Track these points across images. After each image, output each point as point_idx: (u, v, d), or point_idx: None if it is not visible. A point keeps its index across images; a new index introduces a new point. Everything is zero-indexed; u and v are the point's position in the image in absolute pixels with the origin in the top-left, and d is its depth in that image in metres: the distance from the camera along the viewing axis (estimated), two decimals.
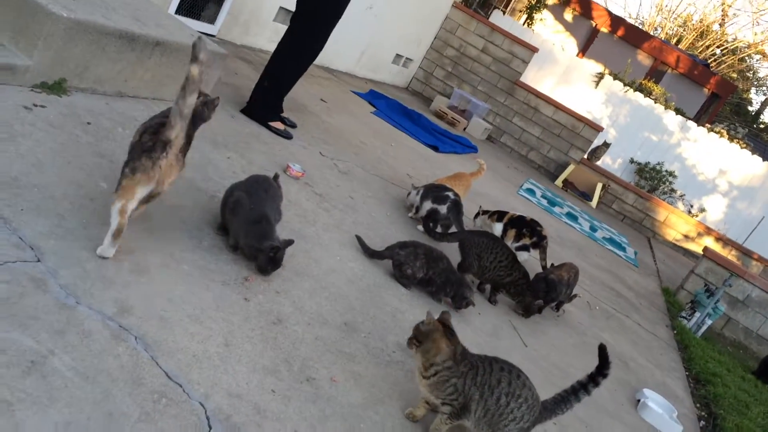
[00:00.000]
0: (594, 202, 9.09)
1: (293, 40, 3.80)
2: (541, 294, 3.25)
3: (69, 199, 1.98)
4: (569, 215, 7.01)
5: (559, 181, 9.20)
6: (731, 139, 11.37)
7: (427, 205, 3.58)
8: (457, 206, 3.48)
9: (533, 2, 13.17)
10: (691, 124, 11.16)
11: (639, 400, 3.01)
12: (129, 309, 1.70)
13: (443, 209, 3.48)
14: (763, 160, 11.08)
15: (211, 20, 5.33)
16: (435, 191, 3.62)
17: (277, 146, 3.63)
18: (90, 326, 1.57)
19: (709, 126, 11.91)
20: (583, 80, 11.61)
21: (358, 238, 2.93)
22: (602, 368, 1.93)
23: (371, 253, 2.87)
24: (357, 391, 1.93)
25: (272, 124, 3.85)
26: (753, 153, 11.39)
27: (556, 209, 6.98)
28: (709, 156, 11.08)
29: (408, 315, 2.57)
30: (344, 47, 7.59)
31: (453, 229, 3.52)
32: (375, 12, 7.66)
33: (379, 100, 7.03)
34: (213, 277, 2.05)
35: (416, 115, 7.30)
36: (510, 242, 3.93)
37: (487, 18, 11.75)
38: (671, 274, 6.87)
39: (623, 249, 6.84)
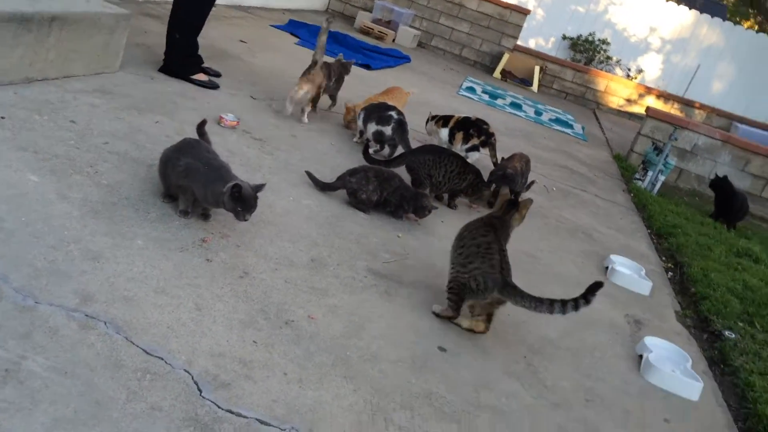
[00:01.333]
0: (535, 86, 9.12)
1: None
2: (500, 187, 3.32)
3: (2, 200, 1.91)
4: (513, 105, 7.04)
5: (497, 73, 9.18)
6: None
7: (372, 127, 3.55)
8: (401, 125, 3.46)
9: None
10: None
11: (608, 267, 3.13)
12: (91, 297, 1.67)
13: (388, 130, 3.46)
14: (690, 9, 11.16)
15: None
16: (377, 112, 3.58)
17: (205, 99, 3.53)
18: (55, 322, 1.55)
19: None
20: None
21: (308, 174, 2.91)
22: (587, 294, 1.98)
23: (323, 186, 2.85)
24: (337, 323, 1.96)
25: (195, 77, 3.72)
26: (679, 3, 11.45)
27: (499, 101, 6.99)
28: (637, 16, 11.10)
29: (372, 238, 2.59)
30: None
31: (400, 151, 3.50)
32: None
33: (301, 29, 6.83)
34: (169, 246, 2.03)
35: (342, 36, 7.13)
36: (459, 145, 3.94)
37: None
38: (620, 141, 7.01)
39: (570, 126, 6.93)
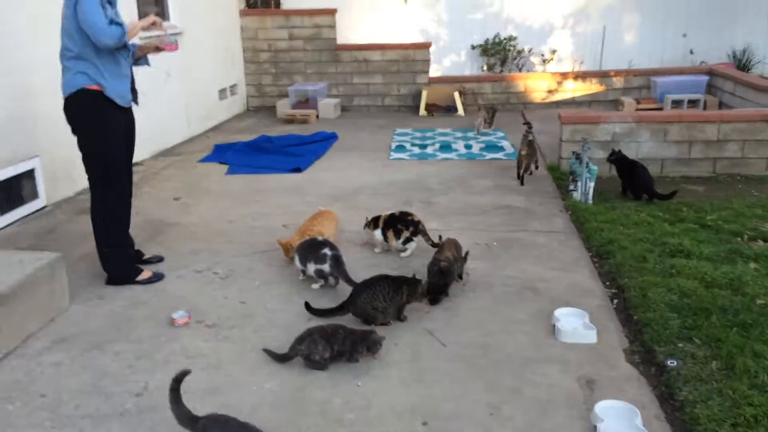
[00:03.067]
0: (460, 110, 9.45)
1: (98, 204, 3.91)
2: (442, 286, 3.63)
3: None
4: (443, 147, 7.35)
5: (422, 111, 9.52)
6: None
7: (312, 267, 3.84)
8: (337, 260, 3.75)
9: None
10: None
11: (554, 326, 3.39)
12: None
13: (327, 267, 3.75)
14: None
15: (33, 196, 5.31)
16: (311, 250, 3.85)
17: (155, 299, 3.79)
18: None
19: None
20: (393, 1, 11.75)
21: (267, 351, 3.16)
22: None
23: (280, 358, 3.11)
24: None
25: (139, 278, 3.98)
26: None
27: (429, 149, 7.29)
28: (532, 3, 11.50)
29: (335, 399, 2.83)
30: (166, 121, 7.59)
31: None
32: (175, 75, 7.64)
33: (227, 153, 7.14)
34: None
35: (266, 143, 7.44)
36: (394, 242, 4.27)
37: (278, 4, 11.70)
38: (552, 142, 7.29)
39: (501, 149, 7.24)
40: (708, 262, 3.93)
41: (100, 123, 3.78)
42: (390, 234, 4.28)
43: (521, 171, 5.99)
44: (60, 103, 3.77)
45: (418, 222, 4.28)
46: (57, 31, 3.65)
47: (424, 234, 4.26)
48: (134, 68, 3.99)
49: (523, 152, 6.03)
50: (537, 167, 6.25)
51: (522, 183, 5.92)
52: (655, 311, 3.40)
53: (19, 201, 5.15)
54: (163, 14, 7.69)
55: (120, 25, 3.60)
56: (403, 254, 4.34)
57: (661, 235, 4.42)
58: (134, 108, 4.03)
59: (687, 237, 4.33)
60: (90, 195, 3.96)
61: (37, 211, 5.31)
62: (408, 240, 4.28)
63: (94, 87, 3.67)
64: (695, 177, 6.08)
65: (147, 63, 4.12)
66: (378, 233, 4.33)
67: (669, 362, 2.97)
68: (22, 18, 5.10)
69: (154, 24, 3.81)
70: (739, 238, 4.38)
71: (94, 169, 3.87)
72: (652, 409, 2.74)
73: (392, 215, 4.33)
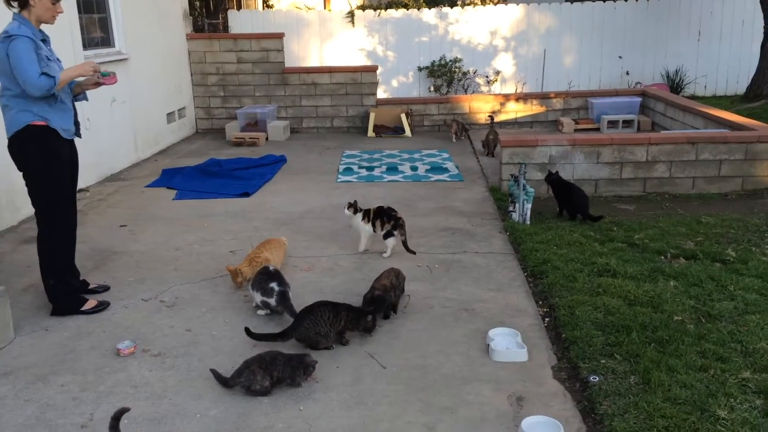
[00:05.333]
0: (407, 132, 9.67)
1: (44, 235, 3.96)
2: (375, 312, 3.77)
3: None
4: (389, 170, 7.53)
5: (370, 132, 9.71)
6: (483, 2, 12.23)
7: (258, 297, 3.94)
8: (283, 296, 3.86)
9: None
10: (446, 9, 11.92)
11: (488, 345, 3.58)
12: None
13: (273, 301, 3.86)
14: (517, 5, 12.02)
15: None
16: (260, 282, 3.95)
17: (100, 329, 3.83)
18: None
19: (461, 1, 12.71)
20: (340, 26, 12.01)
21: (213, 372, 3.25)
22: None
23: (225, 382, 3.21)
24: None
25: (84, 307, 4.02)
26: (506, 3, 12.33)
27: (376, 171, 7.48)
28: (476, 28, 11.94)
29: (278, 425, 2.95)
30: (113, 146, 7.59)
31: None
32: (120, 100, 7.66)
33: (176, 178, 7.17)
34: None
35: (215, 167, 7.50)
36: (380, 231, 4.86)
37: (225, 23, 11.82)
38: (495, 165, 7.57)
39: (446, 171, 7.47)
40: (632, 281, 4.19)
41: (47, 156, 3.83)
42: (378, 223, 4.83)
43: (491, 149, 8.07)
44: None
45: (400, 218, 4.83)
46: None
47: (402, 228, 4.82)
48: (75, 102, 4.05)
49: (491, 137, 8.10)
50: (496, 146, 7.85)
51: (493, 155, 7.99)
52: (581, 329, 3.62)
53: None
54: (108, 39, 7.71)
55: (50, 76, 3.61)
56: (384, 254, 4.87)
57: (591, 254, 4.68)
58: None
59: (614, 256, 4.60)
60: (37, 226, 3.99)
61: None
62: (389, 234, 4.80)
63: (40, 123, 3.73)
64: (627, 196, 6.41)
65: (85, 98, 4.19)
66: (369, 227, 4.88)
67: (591, 378, 3.18)
68: None
69: (94, 71, 3.84)
70: (662, 257, 4.67)
71: (41, 200, 3.90)
72: (575, 423, 2.94)
73: (380, 207, 4.88)
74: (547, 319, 3.94)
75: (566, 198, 5.80)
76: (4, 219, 5.56)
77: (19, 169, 3.86)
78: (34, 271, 4.60)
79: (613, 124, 9.28)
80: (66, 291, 4.02)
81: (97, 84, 4.06)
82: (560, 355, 3.53)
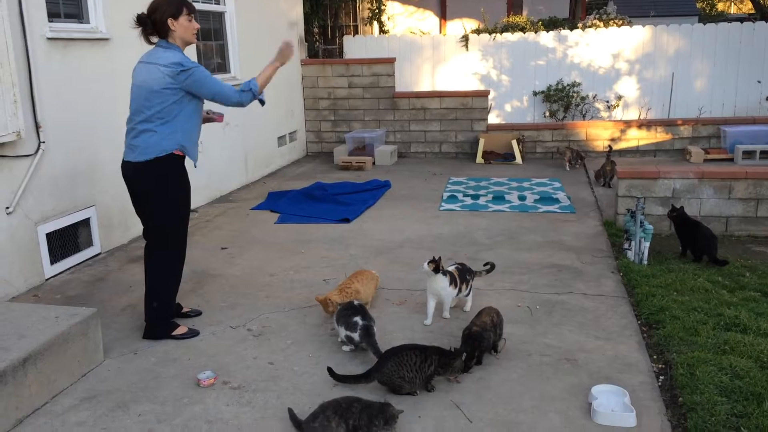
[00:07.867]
0: (518, 159, 9.29)
1: (162, 263, 3.97)
2: (470, 350, 3.48)
3: None
4: (495, 199, 7.20)
5: (478, 158, 9.41)
6: (606, 24, 11.62)
7: (342, 332, 3.78)
8: (367, 331, 3.67)
9: (374, 8, 13.41)
10: (566, 32, 11.41)
11: (591, 404, 3.18)
12: None
13: (356, 336, 3.68)
14: (643, 26, 11.33)
15: (88, 243, 5.50)
16: (345, 316, 3.79)
17: (186, 356, 3.80)
18: None
19: (581, 23, 12.16)
20: (454, 50, 11.83)
21: (290, 412, 3.09)
22: None
23: (299, 425, 3.03)
24: None
25: (175, 332, 4.02)
26: (631, 25, 11.65)
27: (482, 200, 7.16)
28: (597, 50, 11.34)
29: None
30: (225, 168, 7.79)
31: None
32: (233, 123, 7.86)
33: (280, 201, 7.21)
34: None
35: (319, 191, 7.49)
36: (466, 291, 4.25)
37: (341, 49, 12.00)
38: (611, 196, 7.05)
39: (557, 201, 7.03)
40: (766, 339, 3.63)
41: (184, 183, 3.91)
42: (463, 287, 4.22)
43: (607, 179, 7.78)
44: (117, 155, 3.86)
45: (472, 270, 4.34)
46: (117, 86, 3.73)
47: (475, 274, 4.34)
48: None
49: (607, 167, 7.82)
50: (612, 178, 7.59)
51: (609, 186, 7.71)
52: (702, 393, 3.14)
53: (74, 248, 5.34)
54: (225, 67, 7.96)
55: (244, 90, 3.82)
56: (465, 308, 4.31)
57: (717, 304, 4.13)
58: None
59: (746, 308, 4.03)
60: (152, 252, 3.98)
61: (91, 258, 5.49)
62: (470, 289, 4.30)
63: (180, 152, 3.80)
64: (763, 237, 5.71)
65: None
66: (455, 290, 4.14)
67: None
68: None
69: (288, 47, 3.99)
70: None
71: (167, 231, 3.92)
72: None
73: (459, 268, 4.24)
74: (661, 378, 3.48)
75: (691, 237, 5.23)
76: (115, 237, 5.78)
77: (146, 191, 3.83)
78: (135, 291, 4.71)
79: (749, 154, 8.42)
80: (165, 315, 4.03)
81: (208, 119, 4.09)
82: (675, 423, 3.06)
